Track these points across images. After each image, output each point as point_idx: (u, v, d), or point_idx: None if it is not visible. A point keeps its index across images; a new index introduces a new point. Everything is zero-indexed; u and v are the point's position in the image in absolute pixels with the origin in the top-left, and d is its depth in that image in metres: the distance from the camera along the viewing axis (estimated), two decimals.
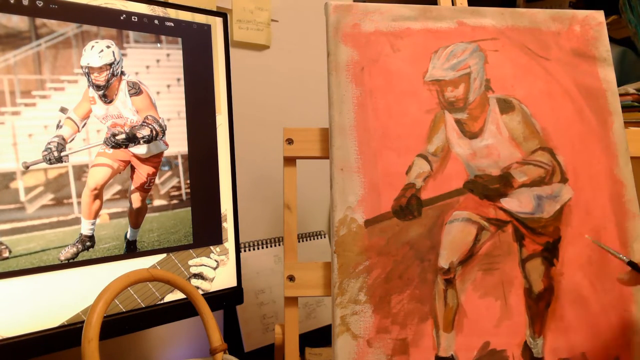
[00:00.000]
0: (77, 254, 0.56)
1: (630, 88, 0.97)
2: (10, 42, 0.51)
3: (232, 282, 0.69)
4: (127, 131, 0.60)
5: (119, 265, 0.59)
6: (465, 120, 0.60)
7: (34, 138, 0.53)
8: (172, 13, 0.63)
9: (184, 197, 0.64)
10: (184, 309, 0.62)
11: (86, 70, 0.57)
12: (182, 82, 0.64)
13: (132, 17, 0.60)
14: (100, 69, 0.57)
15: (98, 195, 0.58)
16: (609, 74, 0.63)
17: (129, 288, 0.54)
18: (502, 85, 0.61)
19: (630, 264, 0.50)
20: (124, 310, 0.58)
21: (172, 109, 0.63)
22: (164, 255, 0.63)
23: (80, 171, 0.56)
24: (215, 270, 0.67)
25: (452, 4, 0.69)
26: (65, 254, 0.55)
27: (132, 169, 0.61)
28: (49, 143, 0.54)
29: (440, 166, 0.58)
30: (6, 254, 0.51)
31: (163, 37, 0.62)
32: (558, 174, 0.59)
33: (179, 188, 0.64)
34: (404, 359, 0.54)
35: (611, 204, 0.59)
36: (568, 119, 0.61)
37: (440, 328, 0.55)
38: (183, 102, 0.64)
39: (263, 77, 0.97)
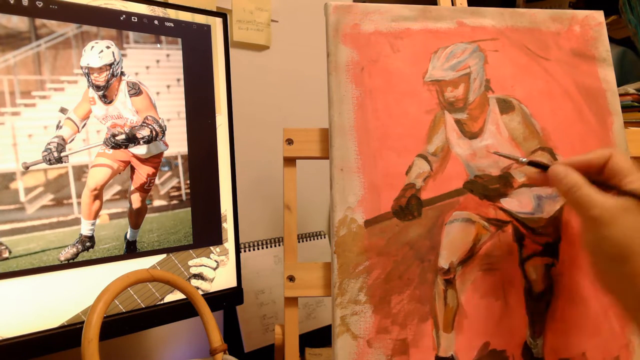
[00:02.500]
0: (77, 255, 0.56)
1: (630, 88, 0.97)
2: (10, 43, 0.51)
3: (232, 283, 0.69)
4: (127, 131, 0.60)
5: (119, 266, 0.59)
6: (465, 120, 0.60)
7: (33, 138, 0.53)
8: (172, 13, 0.63)
9: (183, 197, 0.64)
10: (184, 310, 0.62)
11: (86, 71, 0.57)
12: (182, 82, 0.64)
13: (132, 17, 0.60)
14: (100, 70, 0.57)
15: (98, 195, 0.58)
16: (608, 74, 0.63)
17: (128, 288, 0.54)
18: (502, 86, 0.61)
19: (531, 164, 0.52)
20: (124, 311, 0.58)
21: (172, 109, 0.63)
22: (164, 255, 0.63)
23: (80, 171, 0.56)
24: (215, 271, 0.67)
25: (452, 4, 0.69)
26: (65, 254, 0.55)
27: (132, 169, 0.61)
28: (48, 143, 0.54)
29: (440, 166, 0.58)
30: (6, 255, 0.51)
31: (163, 38, 0.62)
32: None
33: (178, 188, 0.64)
34: (404, 359, 0.54)
35: None
36: (568, 119, 0.61)
37: (440, 328, 0.55)
38: (183, 102, 0.64)
39: (263, 77, 0.97)
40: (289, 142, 0.61)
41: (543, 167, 0.51)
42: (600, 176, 0.48)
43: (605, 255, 0.45)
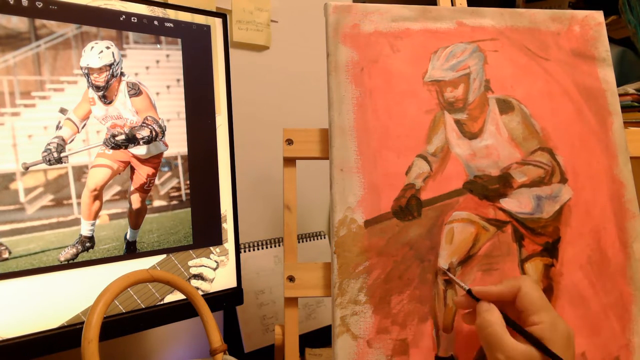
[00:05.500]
0: (76, 255, 0.56)
1: (630, 88, 0.97)
2: (9, 43, 0.51)
3: (232, 283, 0.69)
4: (127, 132, 0.60)
5: (119, 266, 0.59)
6: (464, 120, 0.60)
7: (33, 139, 0.53)
8: (172, 14, 0.63)
9: (183, 197, 0.64)
10: (184, 310, 0.62)
11: (86, 71, 0.57)
12: (181, 82, 0.64)
13: (132, 18, 0.60)
14: (100, 70, 0.57)
15: (98, 196, 0.58)
16: (608, 74, 0.63)
17: (128, 289, 0.54)
18: (502, 86, 0.61)
19: (469, 292, 0.51)
20: (124, 311, 0.58)
21: (171, 109, 0.63)
22: (164, 256, 0.63)
23: (80, 172, 0.56)
24: (215, 271, 0.67)
25: (452, 5, 0.69)
26: (65, 254, 0.55)
27: (132, 169, 0.61)
28: (48, 144, 0.54)
29: (439, 166, 0.58)
30: (6, 255, 0.51)
31: (163, 38, 0.62)
32: (557, 174, 0.59)
33: (178, 189, 0.64)
34: (404, 359, 0.54)
35: (611, 204, 0.59)
36: (567, 119, 0.61)
37: (440, 328, 0.55)
38: (183, 102, 0.64)
39: (263, 77, 0.97)
40: (289, 142, 0.61)
41: (474, 297, 0.50)
42: (516, 310, 0.48)
43: None
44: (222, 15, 0.68)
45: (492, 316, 0.47)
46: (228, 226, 0.69)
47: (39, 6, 0.53)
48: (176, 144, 0.64)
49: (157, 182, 0.62)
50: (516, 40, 0.63)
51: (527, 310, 0.47)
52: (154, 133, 0.62)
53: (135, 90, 0.60)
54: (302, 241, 0.98)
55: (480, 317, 0.48)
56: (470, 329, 0.55)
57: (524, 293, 0.47)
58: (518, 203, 0.58)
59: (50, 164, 0.54)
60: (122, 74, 0.59)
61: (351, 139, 0.58)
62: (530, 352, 0.44)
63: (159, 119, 0.62)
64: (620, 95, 0.75)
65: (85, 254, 0.56)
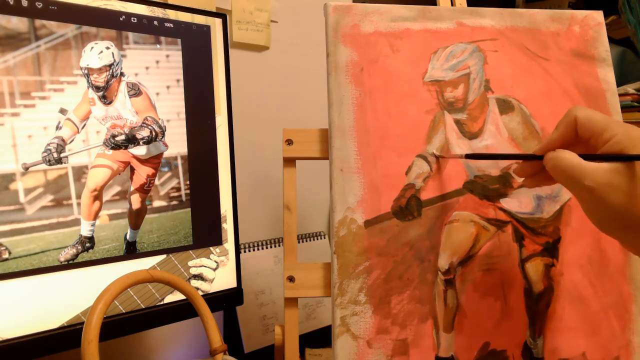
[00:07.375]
0: (76, 255, 0.56)
1: (630, 88, 0.97)
2: (9, 44, 0.51)
3: (232, 283, 0.69)
4: (127, 132, 0.60)
5: (119, 267, 0.59)
6: (464, 120, 0.60)
7: (33, 139, 0.53)
8: (172, 14, 0.63)
9: (183, 198, 0.64)
10: (184, 310, 0.62)
11: (86, 72, 0.57)
12: (181, 83, 0.64)
13: (132, 18, 0.60)
14: (100, 70, 0.57)
15: (98, 196, 0.58)
16: (608, 74, 0.63)
17: (128, 289, 0.54)
18: (502, 86, 0.61)
19: (533, 156, 0.47)
20: (124, 312, 0.58)
21: (171, 109, 0.63)
22: (164, 256, 0.63)
23: (80, 172, 0.56)
24: (215, 271, 0.67)
25: (451, 5, 0.69)
26: (65, 255, 0.55)
27: (132, 170, 0.61)
28: (48, 144, 0.54)
29: (439, 167, 0.58)
30: (6, 255, 0.51)
31: (162, 38, 0.62)
32: None
33: (178, 189, 0.64)
34: (404, 359, 0.54)
35: None
36: None
37: (440, 328, 0.55)
38: (182, 103, 0.64)
39: (262, 78, 0.97)
40: (289, 142, 0.61)
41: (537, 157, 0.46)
42: (585, 144, 0.44)
43: (616, 226, 0.41)
44: (222, 15, 0.68)
45: (564, 152, 0.43)
46: (228, 226, 0.69)
47: (39, 6, 0.53)
48: (176, 144, 0.64)
49: (157, 182, 0.62)
50: (516, 40, 0.63)
51: (594, 132, 0.43)
52: (153, 133, 0.62)
53: (135, 91, 0.60)
54: (302, 241, 0.98)
55: (551, 161, 0.44)
56: (471, 329, 0.55)
57: (584, 117, 0.44)
58: (518, 203, 0.58)
59: (50, 165, 0.54)
60: (122, 74, 0.59)
61: (351, 139, 0.58)
62: (615, 167, 0.40)
63: (159, 119, 0.62)
64: (620, 95, 0.75)
65: (85, 254, 0.56)
